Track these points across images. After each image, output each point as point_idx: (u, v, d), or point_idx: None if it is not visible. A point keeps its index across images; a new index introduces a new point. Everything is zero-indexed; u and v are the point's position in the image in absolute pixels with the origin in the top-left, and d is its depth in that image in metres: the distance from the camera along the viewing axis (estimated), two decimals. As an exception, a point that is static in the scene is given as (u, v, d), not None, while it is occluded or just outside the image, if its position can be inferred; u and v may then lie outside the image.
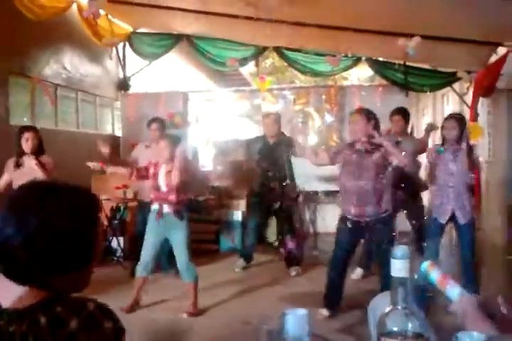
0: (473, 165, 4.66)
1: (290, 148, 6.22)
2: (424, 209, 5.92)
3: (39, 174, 4.85)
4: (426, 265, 1.45)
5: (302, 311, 1.23)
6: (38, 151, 5.11)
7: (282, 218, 6.47)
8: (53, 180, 1.28)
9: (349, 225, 4.45)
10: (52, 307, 1.10)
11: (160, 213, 4.77)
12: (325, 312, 4.56)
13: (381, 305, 1.34)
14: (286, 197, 6.32)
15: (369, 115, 4.42)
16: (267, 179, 6.26)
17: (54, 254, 1.14)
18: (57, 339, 1.06)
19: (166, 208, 4.77)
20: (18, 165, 5.04)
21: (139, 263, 4.88)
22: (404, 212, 5.72)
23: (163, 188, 4.79)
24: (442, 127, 4.71)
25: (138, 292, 4.89)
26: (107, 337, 1.13)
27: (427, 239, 4.82)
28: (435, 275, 1.43)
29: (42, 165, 4.97)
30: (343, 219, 4.54)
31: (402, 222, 5.80)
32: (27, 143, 5.03)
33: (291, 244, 6.39)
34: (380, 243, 4.41)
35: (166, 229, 4.80)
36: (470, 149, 4.67)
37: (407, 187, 5.33)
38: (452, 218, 4.60)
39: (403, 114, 5.80)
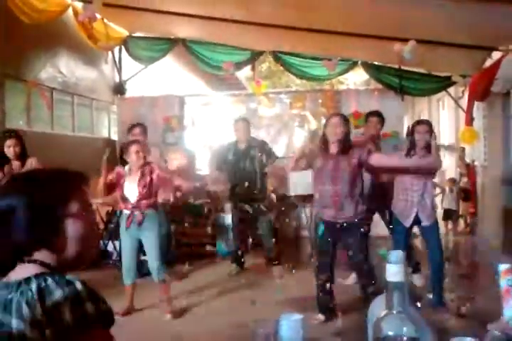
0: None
1: (264, 153, 6.32)
2: None
3: None
4: (503, 268, 1.41)
5: (297, 316, 1.22)
6: (22, 156, 5.13)
7: (260, 222, 6.52)
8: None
9: (325, 227, 4.45)
10: (45, 279, 1.22)
11: (130, 220, 4.82)
12: (320, 316, 4.55)
13: (377, 309, 1.33)
14: (260, 201, 6.41)
15: (345, 118, 4.52)
16: (242, 185, 6.33)
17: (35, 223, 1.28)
18: (44, 307, 1.17)
19: (138, 215, 4.81)
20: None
21: (123, 270, 4.92)
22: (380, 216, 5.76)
23: (134, 197, 4.82)
24: (412, 132, 4.74)
25: (131, 297, 4.94)
26: (90, 318, 1.20)
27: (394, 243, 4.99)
28: (505, 282, 1.40)
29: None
30: (319, 221, 4.58)
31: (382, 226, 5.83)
32: (9, 149, 5.05)
33: (267, 245, 6.55)
34: (354, 250, 4.43)
35: (138, 232, 4.84)
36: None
37: (381, 192, 5.34)
38: (416, 221, 4.75)
39: (381, 116, 5.72)
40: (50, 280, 1.22)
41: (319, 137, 4.55)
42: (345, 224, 4.37)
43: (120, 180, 4.88)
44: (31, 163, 5.11)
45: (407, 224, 4.75)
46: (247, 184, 6.30)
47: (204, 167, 9.28)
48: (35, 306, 1.16)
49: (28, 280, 1.22)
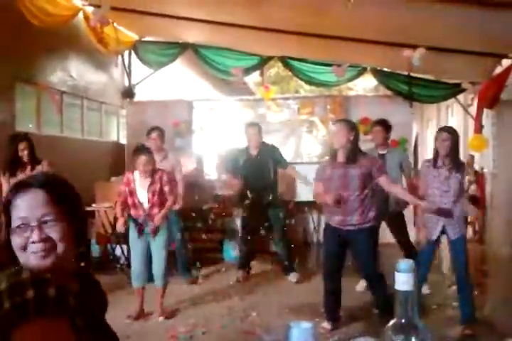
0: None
1: (276, 159, 6.28)
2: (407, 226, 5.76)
3: None
4: None
5: (307, 324, 1.22)
6: (32, 160, 5.11)
7: (273, 228, 6.45)
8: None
9: (333, 233, 4.45)
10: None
11: (141, 230, 4.86)
12: (326, 325, 4.52)
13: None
14: (274, 207, 6.33)
15: (351, 125, 4.45)
16: (252, 190, 6.26)
17: None
18: (63, 297, 1.26)
19: (151, 225, 4.84)
20: (14, 174, 5.00)
21: (132, 274, 4.96)
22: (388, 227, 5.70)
23: (145, 204, 4.85)
24: (435, 140, 4.54)
25: (141, 301, 4.96)
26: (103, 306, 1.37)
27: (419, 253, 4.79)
28: None
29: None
30: (327, 227, 4.56)
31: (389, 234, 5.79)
32: (24, 152, 5.03)
33: (281, 253, 6.44)
34: (362, 256, 4.44)
35: (149, 238, 4.89)
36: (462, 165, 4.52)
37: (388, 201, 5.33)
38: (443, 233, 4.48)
39: (383, 125, 5.71)
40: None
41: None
42: (353, 231, 4.35)
43: (131, 185, 4.87)
44: (42, 166, 5.10)
45: (433, 237, 4.47)
46: (259, 190, 6.23)
47: (212, 172, 9.29)
48: None
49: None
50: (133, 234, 4.92)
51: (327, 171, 4.43)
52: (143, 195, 4.84)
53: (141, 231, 4.85)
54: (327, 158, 4.77)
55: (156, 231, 4.84)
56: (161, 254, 4.87)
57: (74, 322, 1.27)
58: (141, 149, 4.87)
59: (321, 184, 4.48)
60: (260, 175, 6.24)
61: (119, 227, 4.97)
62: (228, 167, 6.67)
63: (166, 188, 4.87)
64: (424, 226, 4.51)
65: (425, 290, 5.30)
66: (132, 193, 4.86)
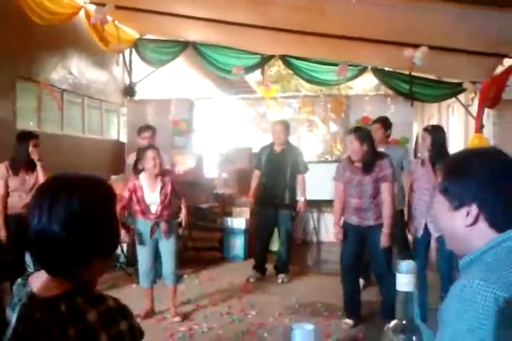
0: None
1: (297, 160, 6.24)
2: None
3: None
4: None
5: (309, 326, 1.22)
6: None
7: (281, 227, 6.41)
8: (75, 172, 1.34)
9: (352, 230, 4.55)
10: (74, 297, 1.17)
11: (154, 231, 4.82)
12: (348, 321, 4.65)
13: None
14: (286, 207, 6.28)
15: (364, 135, 4.47)
16: (271, 187, 6.25)
17: (85, 240, 1.22)
18: (78, 329, 1.12)
19: (163, 226, 4.82)
20: (17, 173, 4.88)
21: (140, 274, 4.96)
22: None
23: (155, 207, 4.80)
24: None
25: (150, 300, 4.96)
26: (124, 336, 1.17)
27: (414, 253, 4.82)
28: None
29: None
30: (344, 224, 4.64)
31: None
32: (35, 149, 4.90)
33: (281, 253, 6.42)
34: (377, 254, 4.51)
35: (158, 239, 4.89)
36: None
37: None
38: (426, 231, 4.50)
39: (382, 122, 5.72)
40: (79, 299, 1.17)
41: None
42: (369, 228, 4.48)
43: (138, 193, 4.76)
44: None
45: (418, 234, 4.53)
46: (275, 187, 6.21)
47: (212, 170, 9.30)
48: (67, 330, 1.11)
49: (56, 299, 1.17)
50: (143, 236, 4.84)
51: (346, 174, 4.54)
52: (152, 198, 4.77)
53: (153, 234, 4.82)
54: (345, 158, 4.80)
55: (169, 232, 4.83)
56: (173, 254, 4.87)
57: None
58: (148, 147, 4.84)
59: (341, 184, 4.60)
60: (279, 172, 6.22)
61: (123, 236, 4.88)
62: (253, 161, 6.67)
63: (177, 189, 4.88)
64: (411, 224, 4.64)
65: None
66: (139, 200, 4.76)
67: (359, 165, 4.47)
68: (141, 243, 4.87)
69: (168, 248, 4.87)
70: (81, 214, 1.21)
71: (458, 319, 1.11)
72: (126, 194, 4.76)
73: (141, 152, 4.81)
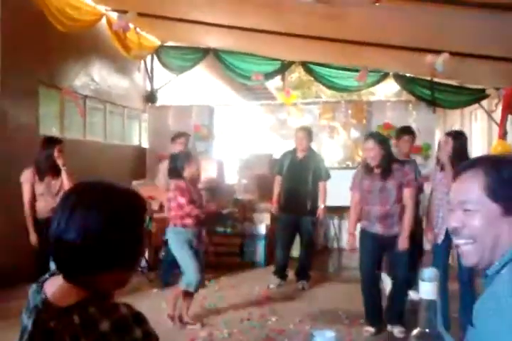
0: None
1: (319, 167, 6.21)
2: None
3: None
4: None
5: (330, 333, 1.20)
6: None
7: (302, 233, 6.39)
8: (104, 180, 1.34)
9: (372, 239, 4.49)
10: (87, 307, 1.16)
11: (200, 238, 4.82)
12: (370, 329, 4.60)
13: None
14: (308, 214, 6.24)
15: (381, 140, 4.43)
16: (293, 194, 6.22)
17: (101, 250, 1.21)
18: (91, 340, 1.11)
19: (203, 232, 4.87)
20: (42, 178, 4.90)
21: (194, 280, 4.69)
22: None
23: (196, 212, 4.75)
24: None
25: (174, 305, 4.86)
26: None
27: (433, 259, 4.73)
28: None
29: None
30: (363, 232, 4.59)
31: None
32: (61, 154, 4.90)
33: (302, 260, 6.39)
34: (398, 260, 4.47)
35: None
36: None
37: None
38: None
39: (413, 134, 5.57)
40: (93, 309, 1.15)
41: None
42: (393, 238, 4.40)
43: (184, 195, 4.68)
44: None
45: (439, 240, 4.48)
46: (297, 193, 6.18)
47: (233, 176, 9.31)
48: (80, 340, 1.11)
49: (70, 309, 1.16)
50: (188, 245, 4.73)
51: (365, 182, 4.48)
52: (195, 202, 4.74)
53: (198, 243, 4.80)
54: (359, 166, 4.76)
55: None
56: (203, 261, 4.87)
57: None
58: (193, 155, 4.88)
59: (358, 194, 4.56)
60: (301, 178, 6.19)
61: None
62: (274, 167, 6.67)
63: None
64: (431, 230, 4.58)
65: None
66: (188, 202, 4.68)
67: (378, 171, 4.42)
68: (186, 251, 4.71)
69: (201, 254, 4.86)
70: (98, 224, 1.21)
71: None
72: (182, 200, 4.67)
73: (186, 157, 4.78)
